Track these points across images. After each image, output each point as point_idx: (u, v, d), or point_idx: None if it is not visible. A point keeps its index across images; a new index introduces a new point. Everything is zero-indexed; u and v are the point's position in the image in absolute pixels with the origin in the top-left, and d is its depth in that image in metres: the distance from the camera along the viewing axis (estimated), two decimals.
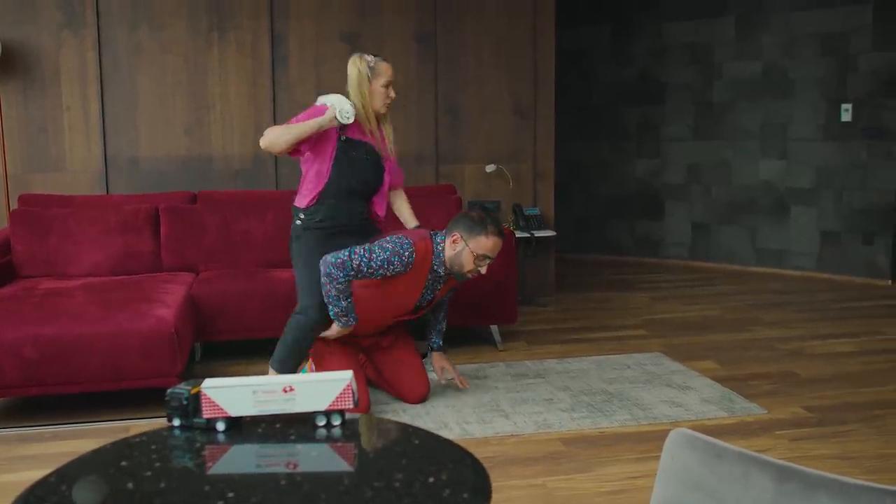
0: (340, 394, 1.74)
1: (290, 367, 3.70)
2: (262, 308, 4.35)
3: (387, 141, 3.81)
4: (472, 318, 4.67)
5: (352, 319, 3.57)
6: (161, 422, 3.63)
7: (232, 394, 1.74)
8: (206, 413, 1.75)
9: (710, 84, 7.18)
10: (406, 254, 3.50)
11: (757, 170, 7.02)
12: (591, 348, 4.76)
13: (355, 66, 3.67)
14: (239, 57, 5.37)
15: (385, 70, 3.70)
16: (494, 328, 4.75)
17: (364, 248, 3.49)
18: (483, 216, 3.59)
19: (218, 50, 5.34)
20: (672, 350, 4.70)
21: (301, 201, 3.72)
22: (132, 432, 3.53)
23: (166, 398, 1.78)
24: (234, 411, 1.75)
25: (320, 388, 1.75)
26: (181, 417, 1.78)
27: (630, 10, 7.48)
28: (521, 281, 5.87)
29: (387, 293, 3.61)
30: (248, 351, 4.59)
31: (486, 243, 3.54)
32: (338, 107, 3.57)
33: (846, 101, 6.52)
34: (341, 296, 3.49)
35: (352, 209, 3.72)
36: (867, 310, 5.67)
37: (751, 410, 3.72)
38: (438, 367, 3.93)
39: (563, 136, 7.51)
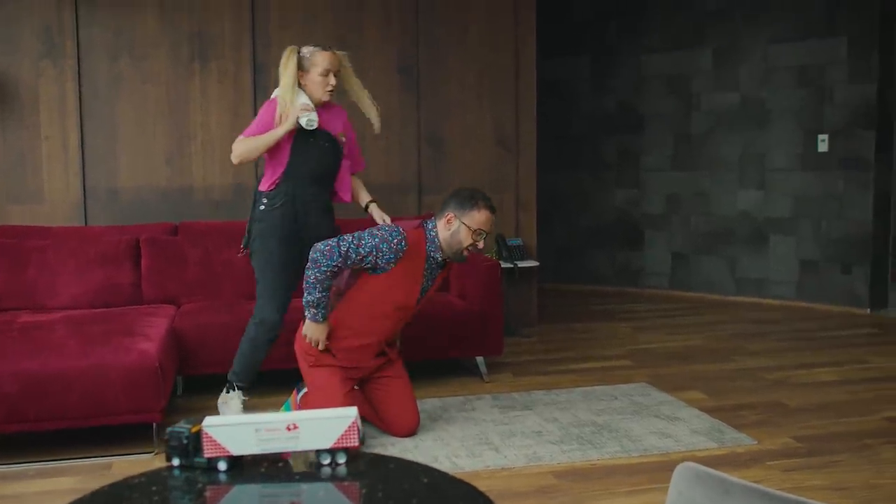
0: (345, 432, 1.70)
1: (247, 378, 3.92)
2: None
3: (345, 124, 3.95)
4: (458, 350, 4.63)
5: (320, 316, 3.54)
6: (145, 458, 3.56)
7: (234, 432, 1.69)
8: (208, 452, 1.70)
9: (688, 114, 7.25)
10: (395, 241, 3.47)
11: (735, 199, 7.08)
12: (577, 379, 4.73)
13: (288, 60, 3.76)
14: (220, 87, 5.34)
15: (321, 59, 3.78)
16: (480, 360, 4.72)
17: (353, 235, 3.49)
18: (473, 192, 3.61)
19: (199, 80, 5.30)
20: (658, 380, 4.69)
21: (263, 185, 3.86)
22: (115, 469, 3.44)
23: (165, 437, 1.73)
24: (237, 450, 1.70)
25: (325, 426, 1.71)
26: (181, 457, 1.73)
27: (609, 41, 7.55)
28: (504, 312, 5.83)
29: (389, 290, 3.56)
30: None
31: (479, 217, 3.55)
32: (303, 118, 3.69)
33: (822, 132, 6.60)
34: (318, 285, 3.47)
35: (313, 193, 3.86)
36: (848, 338, 5.70)
37: (741, 441, 3.70)
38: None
39: (542, 165, 7.51)
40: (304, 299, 3.55)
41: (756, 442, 3.70)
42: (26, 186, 5.11)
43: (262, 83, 5.38)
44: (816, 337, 5.75)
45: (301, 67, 3.79)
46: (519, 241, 5.76)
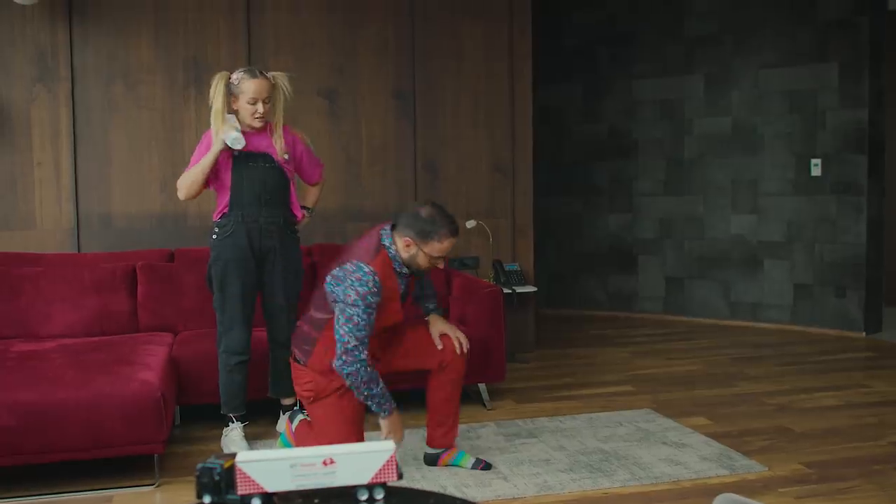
0: (384, 466, 1.65)
1: (233, 405, 3.93)
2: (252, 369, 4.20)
3: (276, 150, 3.88)
4: None
5: (392, 405, 3.37)
6: (146, 490, 3.48)
7: (269, 468, 1.63)
8: (241, 489, 1.64)
9: (680, 140, 7.28)
10: (373, 285, 3.26)
11: (729, 224, 7.09)
12: (580, 405, 4.69)
13: (216, 87, 3.75)
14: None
15: (248, 87, 3.73)
16: (482, 387, 4.66)
17: (341, 324, 3.25)
18: (433, 215, 3.36)
19: (194, 105, 5.25)
20: (662, 406, 4.65)
21: (215, 215, 3.91)
22: (116, 502, 3.36)
23: (196, 473, 1.67)
24: (271, 486, 1.64)
25: (362, 460, 1.65)
26: (213, 494, 1.66)
27: (601, 67, 7.58)
28: None
29: (377, 321, 3.39)
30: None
31: (439, 247, 3.36)
32: (228, 138, 3.69)
33: (815, 157, 6.63)
34: (371, 385, 3.28)
35: (266, 216, 3.86)
36: (846, 362, 5.70)
37: (751, 468, 3.67)
38: (437, 332, 3.62)
39: (536, 191, 7.52)
40: (370, 406, 3.36)
41: (766, 468, 3.66)
42: (18, 212, 5.02)
43: None
44: (814, 361, 5.74)
45: (231, 93, 3.77)
46: (516, 267, 5.73)
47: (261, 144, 3.86)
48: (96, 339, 4.31)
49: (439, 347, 3.60)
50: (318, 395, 3.46)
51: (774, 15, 6.78)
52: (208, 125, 5.22)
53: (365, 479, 1.66)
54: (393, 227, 3.43)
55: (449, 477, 3.60)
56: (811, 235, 6.70)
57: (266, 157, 3.85)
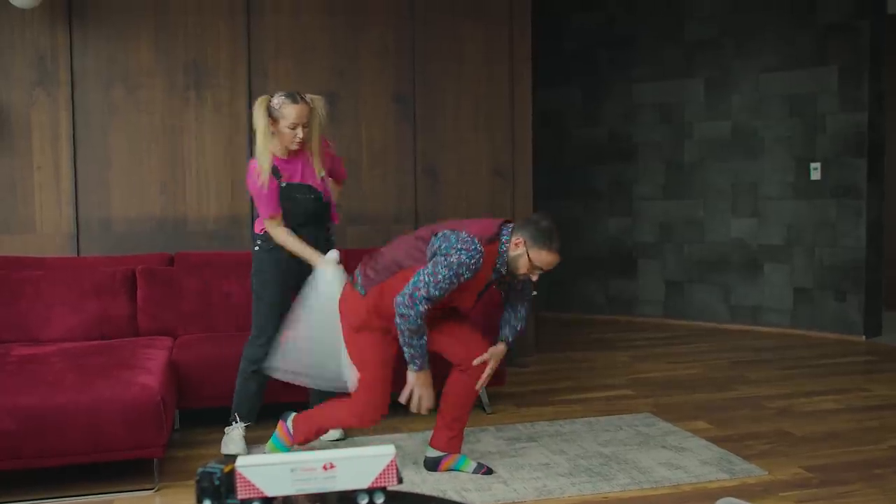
0: (384, 471, 1.65)
1: (243, 411, 3.96)
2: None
3: (315, 169, 3.92)
4: None
5: (425, 363, 3.46)
6: (146, 494, 3.47)
7: (269, 472, 1.63)
8: (241, 494, 1.63)
9: (680, 143, 7.28)
10: (474, 262, 3.33)
11: (729, 227, 7.09)
12: (580, 409, 4.68)
13: (259, 111, 3.78)
14: (215, 116, 5.29)
15: (289, 113, 3.76)
16: (483, 391, 4.65)
17: (427, 271, 3.33)
18: (550, 228, 3.49)
19: (194, 109, 5.25)
20: (661, 410, 4.65)
21: (256, 226, 3.96)
22: None
23: (197, 478, 1.66)
24: (271, 491, 1.64)
25: (362, 465, 1.65)
26: (213, 499, 1.66)
27: (600, 71, 7.58)
28: None
29: (449, 296, 3.44)
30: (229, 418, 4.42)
31: (546, 258, 3.46)
32: (326, 272, 3.73)
33: (814, 161, 6.63)
34: (414, 336, 3.38)
35: (307, 235, 3.90)
36: (846, 366, 5.69)
37: (751, 472, 3.66)
38: (490, 353, 3.66)
39: (536, 194, 7.53)
40: (405, 353, 3.44)
41: (766, 472, 3.66)
42: (18, 216, 5.02)
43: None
44: (814, 365, 5.74)
45: (271, 116, 3.80)
46: None
47: (301, 173, 3.90)
48: (96, 342, 4.31)
49: (478, 362, 3.63)
50: (364, 326, 3.52)
51: (774, 19, 6.78)
52: (208, 128, 5.26)
53: (365, 483, 1.66)
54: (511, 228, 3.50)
55: (449, 481, 3.59)
56: (811, 239, 6.70)
57: (309, 189, 3.90)
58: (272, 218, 3.84)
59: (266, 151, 3.80)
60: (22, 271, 4.54)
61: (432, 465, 3.74)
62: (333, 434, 4.13)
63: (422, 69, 5.65)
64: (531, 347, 6.03)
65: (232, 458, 1.70)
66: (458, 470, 3.70)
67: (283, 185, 3.85)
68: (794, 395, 4.95)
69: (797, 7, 6.67)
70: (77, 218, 5.10)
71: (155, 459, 3.55)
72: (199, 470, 1.68)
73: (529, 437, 4.17)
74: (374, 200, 5.57)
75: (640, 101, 7.43)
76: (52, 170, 5.07)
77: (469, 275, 3.34)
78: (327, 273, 3.72)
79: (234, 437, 3.93)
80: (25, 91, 5.01)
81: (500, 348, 3.70)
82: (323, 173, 3.96)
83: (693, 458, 3.83)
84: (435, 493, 3.43)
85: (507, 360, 5.60)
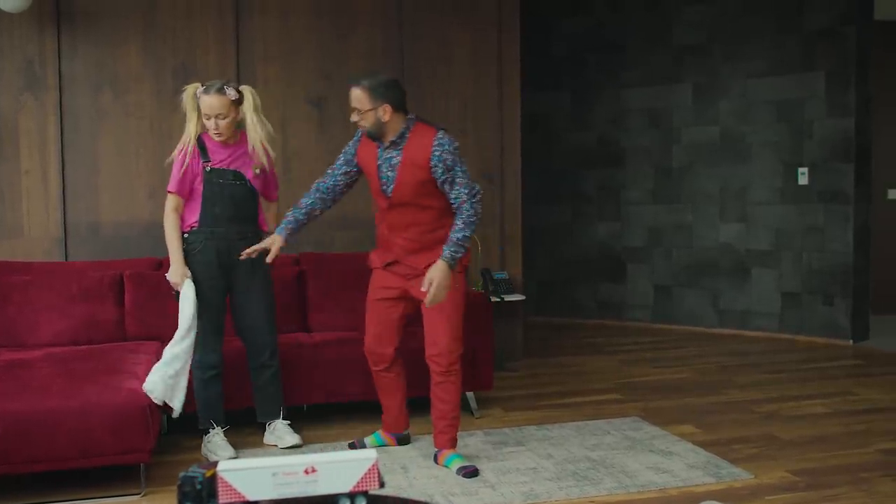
0: (365, 474, 1.64)
1: (211, 416, 3.97)
2: (233, 378, 4.19)
3: (256, 154, 3.96)
4: None
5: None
6: (132, 499, 3.47)
7: (250, 476, 1.62)
8: (223, 498, 1.63)
9: (668, 148, 7.30)
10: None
11: (717, 232, 7.12)
12: (568, 414, 4.69)
13: (188, 100, 3.91)
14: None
15: (206, 104, 3.84)
16: (470, 395, 4.66)
17: (460, 170, 3.63)
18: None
19: (183, 112, 5.23)
20: (649, 414, 4.66)
21: (184, 226, 3.97)
22: None
23: (179, 482, 1.66)
24: (253, 495, 1.63)
25: (344, 469, 1.65)
26: (194, 503, 1.65)
27: (589, 75, 7.60)
28: None
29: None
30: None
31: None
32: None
33: (802, 166, 6.66)
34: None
35: (236, 231, 3.94)
36: (833, 370, 5.72)
37: (738, 476, 3.67)
38: (427, 279, 3.60)
39: (525, 199, 7.55)
40: (466, 238, 3.60)
41: (753, 476, 3.67)
42: (5, 221, 5.01)
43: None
44: (802, 369, 5.76)
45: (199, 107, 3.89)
46: (504, 275, 5.73)
47: (233, 160, 3.93)
48: (84, 347, 4.29)
49: (424, 288, 3.63)
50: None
51: (762, 24, 6.81)
52: None
53: (347, 487, 1.65)
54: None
55: (436, 485, 3.59)
56: (799, 244, 6.73)
57: (237, 175, 3.94)
58: (171, 195, 3.89)
59: (195, 130, 3.87)
60: (9, 276, 4.53)
61: (434, 458, 3.89)
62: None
63: (409, 72, 5.66)
64: (519, 352, 6.03)
65: (214, 463, 1.70)
66: (447, 467, 3.77)
67: (209, 169, 3.88)
68: (782, 399, 4.97)
69: (785, 13, 6.70)
70: (65, 222, 5.09)
71: (142, 464, 3.54)
72: (181, 474, 1.67)
73: (517, 442, 4.18)
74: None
75: (629, 106, 7.46)
76: (40, 174, 5.06)
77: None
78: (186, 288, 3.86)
79: (217, 442, 3.93)
80: (13, 96, 5.00)
81: (441, 268, 3.60)
82: (258, 171, 3.97)
83: (680, 462, 3.84)
84: (422, 498, 3.43)
85: (495, 365, 5.63)
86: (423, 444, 4.10)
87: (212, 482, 1.67)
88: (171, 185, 3.92)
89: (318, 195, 3.89)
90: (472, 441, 4.18)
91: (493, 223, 5.86)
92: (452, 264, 3.60)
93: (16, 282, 4.49)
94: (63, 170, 5.09)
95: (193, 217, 3.93)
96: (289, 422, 4.17)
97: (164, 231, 3.97)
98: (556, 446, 4.10)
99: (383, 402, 4.02)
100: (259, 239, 3.99)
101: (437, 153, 3.60)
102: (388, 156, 3.70)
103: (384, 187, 3.71)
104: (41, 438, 3.34)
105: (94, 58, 5.11)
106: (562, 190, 7.77)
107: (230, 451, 3.92)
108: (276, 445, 4.09)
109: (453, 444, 3.85)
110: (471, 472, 3.70)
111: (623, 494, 3.48)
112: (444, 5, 5.72)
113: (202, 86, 3.88)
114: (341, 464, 1.67)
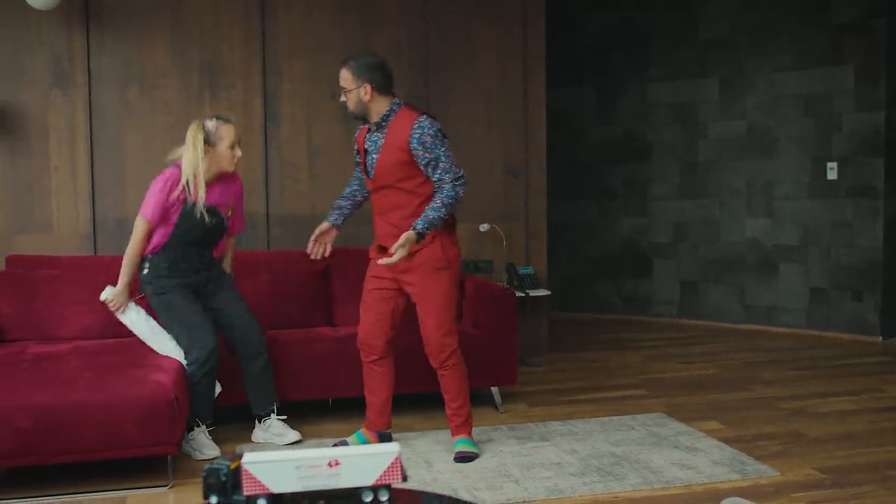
0: (388, 468, 1.66)
1: (206, 417, 3.97)
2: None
3: (233, 195, 4.10)
4: (473, 379, 4.54)
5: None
6: (160, 491, 3.50)
7: (274, 469, 1.65)
8: (247, 490, 1.65)
9: (695, 143, 7.26)
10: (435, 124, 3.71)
11: (744, 227, 7.07)
12: (592, 409, 4.68)
13: (194, 135, 3.90)
14: (230, 116, 5.30)
15: (227, 133, 3.93)
16: (495, 390, 4.67)
17: (444, 155, 3.66)
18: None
19: (210, 109, 5.27)
20: (674, 410, 4.64)
21: (148, 248, 4.00)
22: (129, 503, 3.38)
23: (204, 474, 1.69)
24: (277, 488, 1.66)
25: (367, 462, 1.66)
26: (219, 495, 1.68)
27: (614, 70, 7.57)
28: None
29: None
30: (238, 416, 4.44)
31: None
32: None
33: (830, 160, 6.60)
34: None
35: (197, 255, 4.02)
36: (862, 367, 5.66)
37: (763, 472, 3.65)
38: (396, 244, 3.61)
39: (549, 194, 7.54)
40: (441, 218, 3.63)
41: (779, 473, 3.64)
42: (35, 216, 5.07)
43: (272, 112, 5.36)
44: (830, 365, 5.71)
45: (207, 142, 3.90)
46: (530, 270, 5.73)
47: (215, 197, 4.01)
48: (111, 341, 4.33)
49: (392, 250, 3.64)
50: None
51: (789, 18, 6.75)
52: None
53: (370, 480, 1.67)
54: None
55: (461, 480, 3.60)
56: (827, 239, 6.67)
57: (213, 212, 3.99)
58: (146, 223, 3.93)
59: (200, 166, 3.89)
60: (37, 270, 4.58)
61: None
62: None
63: (434, 68, 5.67)
64: (544, 347, 6.03)
65: (238, 455, 1.72)
66: (455, 448, 3.88)
67: (191, 203, 3.91)
68: (809, 395, 4.93)
69: (811, 6, 6.64)
70: (94, 217, 5.14)
71: (168, 456, 3.58)
72: (206, 466, 1.70)
73: (541, 437, 4.18)
74: None
75: (655, 101, 7.42)
76: (68, 170, 5.12)
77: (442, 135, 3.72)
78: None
79: (203, 440, 3.95)
80: (42, 92, 5.06)
81: (408, 234, 3.60)
82: (230, 212, 4.10)
83: (705, 459, 3.82)
84: (446, 492, 3.44)
85: (519, 360, 5.63)
86: (448, 439, 4.10)
87: (236, 474, 1.70)
88: (150, 215, 3.92)
89: (356, 183, 4.03)
90: (496, 435, 4.19)
91: (517, 219, 5.86)
92: (419, 237, 3.62)
93: (44, 276, 4.55)
94: (92, 165, 5.14)
95: (160, 242, 3.98)
96: (284, 416, 4.16)
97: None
98: (580, 442, 4.10)
99: (368, 398, 4.01)
100: (216, 263, 4.15)
101: (416, 135, 3.64)
102: (374, 138, 3.78)
103: (368, 169, 3.81)
104: (69, 430, 3.38)
105: (121, 54, 5.16)
106: (586, 186, 7.74)
107: (215, 449, 3.94)
108: (270, 443, 4.10)
109: (461, 431, 3.91)
110: (464, 457, 3.79)
111: (647, 490, 3.47)
112: (468, 2, 5.72)
113: (214, 118, 3.96)
114: (365, 457, 1.69)
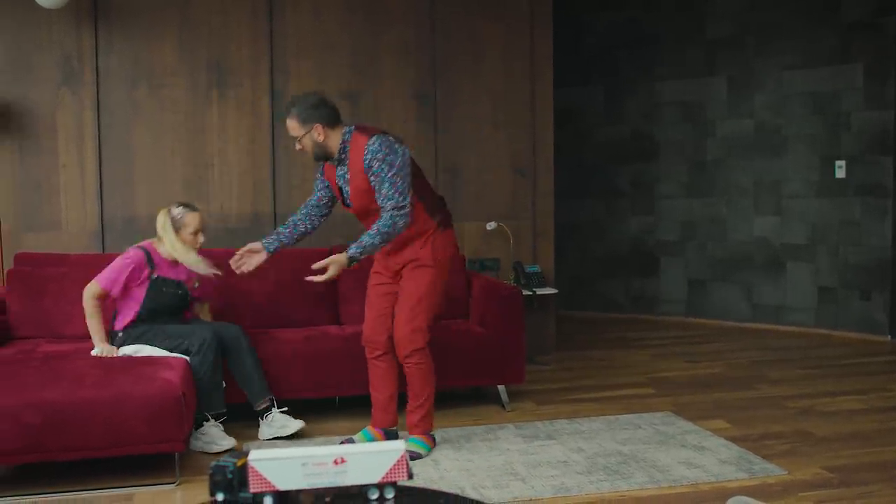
0: (394, 466, 1.67)
1: (219, 406, 4.02)
2: (265, 371, 4.23)
3: (197, 274, 4.23)
4: (479, 378, 4.59)
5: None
6: (167, 488, 3.52)
7: (281, 466, 1.65)
8: (253, 487, 1.66)
9: (703, 142, 7.24)
10: (399, 146, 3.68)
11: (751, 226, 7.05)
12: (599, 408, 4.68)
13: (163, 219, 4.15)
14: (238, 115, 5.34)
15: (191, 220, 4.13)
16: (502, 388, 4.67)
17: (388, 187, 3.60)
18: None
19: (217, 108, 5.30)
20: (681, 409, 4.63)
21: (118, 324, 4.14)
22: (137, 500, 3.40)
23: (210, 471, 1.69)
24: (283, 485, 1.66)
25: (373, 460, 1.67)
26: (226, 492, 1.68)
27: (622, 69, 7.56)
28: None
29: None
30: (246, 414, 4.45)
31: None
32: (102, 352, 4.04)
33: (839, 159, 6.58)
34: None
35: (163, 322, 4.16)
36: (869, 366, 5.64)
37: (771, 471, 3.65)
38: (325, 262, 3.64)
39: (556, 193, 7.53)
40: (370, 247, 3.62)
41: (786, 472, 3.64)
42: (43, 214, 5.09)
43: (280, 111, 5.37)
44: (838, 364, 5.69)
45: (173, 226, 4.13)
46: (537, 269, 5.73)
47: (177, 271, 4.18)
48: None
49: (316, 267, 3.67)
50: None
51: (797, 16, 6.73)
52: (231, 126, 5.31)
53: (375, 478, 1.68)
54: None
55: (467, 478, 3.61)
56: (835, 238, 6.65)
57: (177, 285, 4.17)
58: (99, 288, 4.05)
59: (183, 252, 4.12)
60: (45, 268, 4.60)
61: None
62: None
63: (442, 67, 5.67)
64: (551, 346, 6.03)
65: (245, 452, 1.73)
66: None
67: (155, 276, 4.09)
68: (816, 394, 4.92)
69: (820, 4, 6.62)
70: (102, 216, 5.17)
71: (176, 454, 3.59)
72: (213, 464, 1.70)
73: (548, 435, 4.18)
74: None
75: (662, 100, 7.41)
76: (77, 168, 5.14)
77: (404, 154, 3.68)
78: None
79: (216, 433, 3.96)
80: (51, 91, 5.08)
81: (338, 257, 3.64)
82: (198, 284, 4.25)
83: (712, 458, 3.82)
84: (452, 490, 3.45)
85: (526, 359, 5.63)
86: (454, 437, 4.12)
87: (243, 472, 1.70)
88: (105, 283, 4.06)
89: (304, 210, 3.98)
90: (502, 434, 4.19)
91: (525, 218, 5.86)
92: (350, 262, 3.64)
93: (52, 274, 4.57)
94: (100, 164, 5.17)
95: (129, 317, 4.11)
96: (286, 409, 4.18)
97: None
98: (587, 440, 4.09)
99: (372, 395, 4.01)
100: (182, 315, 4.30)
101: (366, 158, 3.63)
102: (341, 172, 3.79)
103: (346, 201, 3.83)
104: (77, 427, 3.40)
105: (130, 53, 5.18)
106: (594, 185, 7.73)
107: (229, 439, 3.96)
108: (277, 438, 4.12)
109: (414, 429, 3.91)
110: (410, 457, 3.76)
111: (654, 489, 3.47)
112: (475, 1, 5.72)
113: (181, 206, 4.18)
114: (370, 455, 1.69)
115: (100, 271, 4.59)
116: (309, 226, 3.96)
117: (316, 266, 3.63)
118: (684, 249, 7.40)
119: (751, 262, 7.08)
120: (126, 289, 4.09)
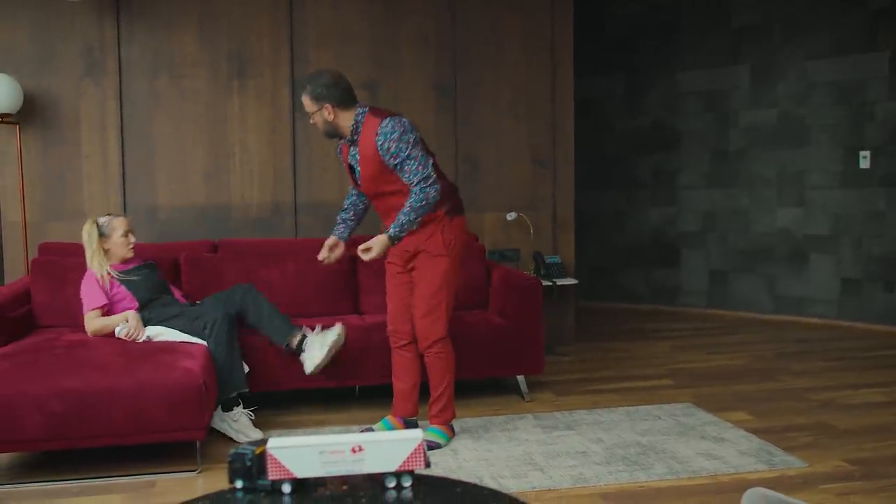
0: (411, 454, 1.67)
1: (241, 385, 4.02)
2: (285, 360, 4.25)
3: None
4: (498, 368, 4.59)
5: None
6: (188, 476, 3.55)
7: (299, 454, 1.66)
8: (272, 475, 1.67)
9: (725, 132, 7.19)
10: (409, 125, 3.69)
11: (774, 217, 7.00)
12: (619, 398, 4.67)
13: (88, 234, 4.21)
14: (259, 105, 5.35)
15: (119, 224, 4.24)
16: (521, 378, 4.67)
17: (411, 162, 3.63)
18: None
19: (238, 98, 5.32)
20: (702, 400, 4.61)
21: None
22: (158, 487, 3.43)
23: (229, 459, 1.70)
24: (301, 472, 1.67)
25: (390, 448, 1.68)
26: (244, 479, 1.70)
27: (643, 58, 7.51)
28: None
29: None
30: (267, 402, 4.48)
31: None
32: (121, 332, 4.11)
33: (863, 149, 6.51)
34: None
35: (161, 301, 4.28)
36: (892, 358, 5.59)
37: (791, 464, 3.62)
38: (367, 244, 3.69)
39: (577, 184, 7.51)
40: (411, 221, 3.65)
41: (807, 464, 3.61)
42: (66, 204, 5.14)
43: (300, 101, 5.37)
44: (860, 357, 5.65)
45: (101, 235, 4.20)
46: (557, 259, 5.72)
47: (130, 262, 4.34)
48: None
49: (362, 248, 3.70)
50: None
51: (823, 4, 6.66)
52: (252, 116, 5.32)
53: (393, 466, 1.68)
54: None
55: (486, 467, 3.61)
56: (858, 229, 6.59)
57: (138, 268, 4.31)
58: (96, 311, 4.12)
59: (103, 266, 4.18)
60: (68, 257, 4.63)
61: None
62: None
63: (462, 58, 5.66)
64: (571, 337, 6.02)
65: (263, 440, 1.74)
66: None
67: (118, 275, 4.19)
68: (839, 387, 4.88)
69: None
70: (124, 205, 5.20)
71: (197, 441, 3.62)
72: (232, 451, 1.72)
73: (567, 426, 4.18)
74: None
75: (685, 90, 7.36)
76: (99, 158, 5.18)
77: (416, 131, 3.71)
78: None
79: (247, 423, 3.99)
80: (74, 81, 5.12)
81: (381, 237, 3.67)
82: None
83: (732, 449, 3.80)
84: (471, 480, 3.45)
85: (546, 349, 5.62)
86: (473, 427, 4.12)
87: (261, 459, 1.71)
88: (93, 303, 4.14)
89: (353, 193, 4.03)
90: (522, 424, 4.19)
91: (545, 208, 5.85)
92: (392, 242, 3.68)
93: (75, 263, 4.59)
94: (122, 154, 5.20)
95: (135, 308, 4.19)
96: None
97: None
98: (606, 431, 4.09)
99: (395, 384, 4.02)
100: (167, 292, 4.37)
101: (379, 141, 3.64)
102: (353, 152, 3.80)
103: (358, 182, 3.84)
104: (99, 415, 3.43)
105: (151, 43, 5.21)
106: (615, 175, 7.70)
107: (257, 432, 3.98)
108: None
109: (434, 420, 3.93)
110: (428, 447, 3.76)
111: (673, 480, 3.46)
112: None
113: (104, 216, 4.27)
114: (388, 443, 1.70)
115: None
116: (365, 203, 4.05)
117: (362, 247, 3.66)
118: (705, 240, 7.36)
119: (773, 253, 7.03)
120: (114, 302, 4.18)
